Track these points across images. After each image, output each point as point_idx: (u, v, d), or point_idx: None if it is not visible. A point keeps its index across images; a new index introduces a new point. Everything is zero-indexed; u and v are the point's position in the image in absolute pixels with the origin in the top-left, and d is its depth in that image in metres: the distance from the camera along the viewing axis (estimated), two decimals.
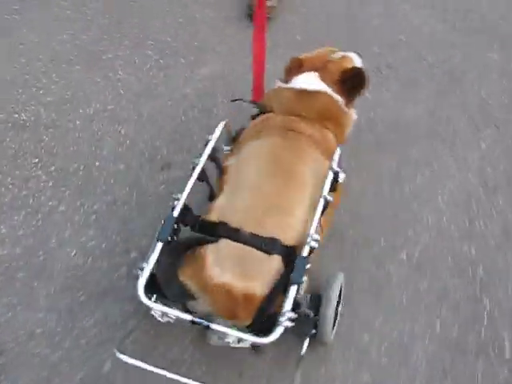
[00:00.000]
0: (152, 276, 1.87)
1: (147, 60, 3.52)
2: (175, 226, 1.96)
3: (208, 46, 3.56)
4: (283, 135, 2.11)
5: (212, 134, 2.24)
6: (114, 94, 3.32)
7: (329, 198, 1.98)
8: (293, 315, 1.75)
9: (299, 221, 1.93)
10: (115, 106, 3.25)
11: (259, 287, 1.81)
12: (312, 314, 2.00)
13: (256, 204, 1.92)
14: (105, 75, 3.41)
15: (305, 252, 1.84)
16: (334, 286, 2.09)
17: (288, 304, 1.76)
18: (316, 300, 2.05)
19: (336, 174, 2.05)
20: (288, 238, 1.89)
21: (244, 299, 1.80)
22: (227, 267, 1.82)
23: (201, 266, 1.84)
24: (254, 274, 1.83)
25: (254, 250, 1.84)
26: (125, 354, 1.88)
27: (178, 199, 2.01)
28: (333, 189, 2.04)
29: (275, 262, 1.85)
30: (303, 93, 2.22)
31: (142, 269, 1.84)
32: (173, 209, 1.99)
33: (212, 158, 2.21)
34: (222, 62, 3.48)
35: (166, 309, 1.82)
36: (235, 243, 1.85)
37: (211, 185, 2.27)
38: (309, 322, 1.99)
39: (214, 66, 3.45)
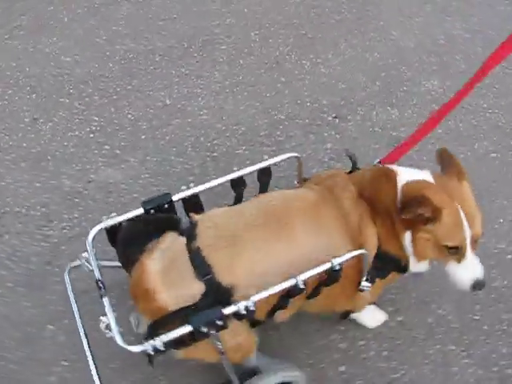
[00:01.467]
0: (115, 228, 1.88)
1: None
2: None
3: None
4: (324, 196, 1.92)
5: None
6: None
7: (300, 282, 1.70)
8: (160, 346, 1.59)
9: (260, 275, 1.75)
10: None
11: (166, 298, 1.69)
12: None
13: (238, 235, 1.77)
14: None
15: (229, 309, 1.64)
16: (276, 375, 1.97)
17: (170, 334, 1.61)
18: (248, 373, 1.95)
19: (336, 271, 1.77)
20: (230, 280, 1.72)
21: (144, 295, 1.70)
22: (160, 260, 1.73)
23: (150, 249, 1.78)
24: (173, 284, 1.70)
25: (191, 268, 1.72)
26: None
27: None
28: (331, 281, 1.82)
29: (196, 287, 1.71)
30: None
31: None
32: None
33: None
34: None
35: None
36: (184, 248, 1.75)
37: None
38: None
39: None
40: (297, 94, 3.29)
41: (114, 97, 3.30)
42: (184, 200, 1.99)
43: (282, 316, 1.97)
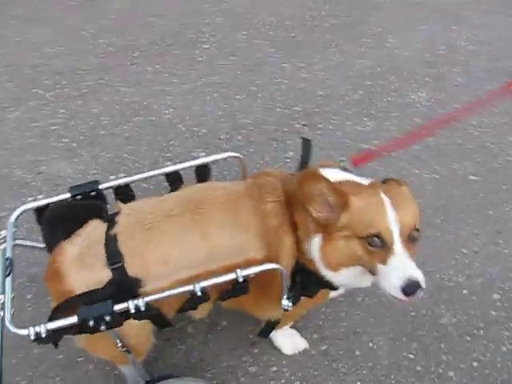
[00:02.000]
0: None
1: None
2: None
3: None
4: (250, 192, 1.77)
5: None
6: None
7: (198, 289, 1.56)
8: (44, 332, 1.47)
9: (173, 267, 1.64)
10: None
11: (74, 281, 1.58)
12: None
13: (155, 225, 1.66)
14: None
15: (119, 306, 1.51)
16: None
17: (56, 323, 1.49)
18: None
19: (242, 285, 1.62)
20: (139, 271, 1.61)
21: (56, 277, 1.60)
22: (78, 245, 1.65)
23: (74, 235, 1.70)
24: (83, 269, 1.60)
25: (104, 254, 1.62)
26: None
27: None
28: (237, 292, 1.67)
29: (103, 274, 1.58)
30: None
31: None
32: None
33: None
34: None
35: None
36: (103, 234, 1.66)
37: None
38: None
39: None
40: (269, 99, 3.11)
41: (85, 90, 3.23)
42: (115, 190, 1.92)
43: (198, 315, 1.86)
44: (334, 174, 1.64)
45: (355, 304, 2.30)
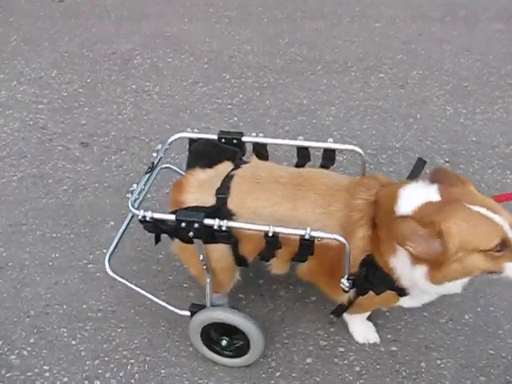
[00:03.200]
0: None
1: None
2: None
3: None
4: (349, 188, 1.96)
5: None
6: None
7: (271, 231, 1.81)
8: (148, 217, 1.87)
9: (261, 218, 1.91)
10: None
11: (188, 196, 1.98)
12: None
13: (264, 182, 1.98)
14: None
15: (208, 220, 1.83)
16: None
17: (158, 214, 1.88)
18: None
19: (308, 243, 1.82)
20: (236, 207, 1.92)
21: (178, 189, 2.03)
22: (205, 174, 2.06)
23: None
24: (199, 190, 1.99)
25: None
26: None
27: None
28: (304, 250, 1.87)
29: (210, 199, 1.95)
30: None
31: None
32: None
33: None
34: None
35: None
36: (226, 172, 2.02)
37: None
38: None
39: None
40: (423, 132, 3.31)
41: (265, 85, 3.74)
42: (254, 145, 2.22)
43: (275, 269, 2.10)
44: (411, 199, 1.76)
45: (437, 323, 2.38)
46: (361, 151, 2.20)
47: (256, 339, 2.11)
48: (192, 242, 1.88)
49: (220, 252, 1.99)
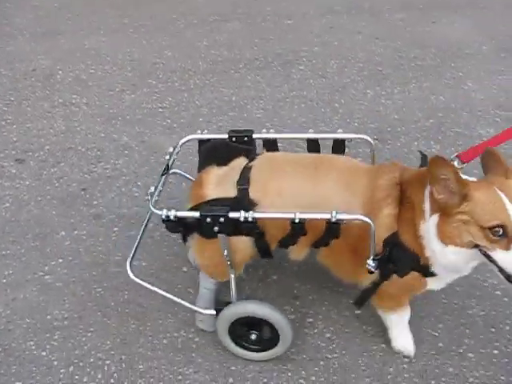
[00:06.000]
0: None
1: None
2: None
3: None
4: (370, 171, 2.03)
5: None
6: None
7: (297, 218, 1.83)
8: (171, 216, 1.90)
9: (283, 204, 1.96)
10: None
11: (208, 190, 2.03)
12: None
13: (283, 167, 2.04)
14: None
15: (233, 214, 1.85)
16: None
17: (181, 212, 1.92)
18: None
19: (334, 224, 1.84)
20: (258, 196, 1.95)
21: (199, 184, 2.09)
22: (223, 170, 2.11)
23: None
24: (219, 184, 2.04)
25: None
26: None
27: None
28: (330, 234, 1.91)
29: (230, 192, 1.98)
30: None
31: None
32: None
33: None
34: None
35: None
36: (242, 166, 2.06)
37: None
38: None
39: None
40: (349, 115, 3.51)
41: (191, 86, 3.84)
42: (264, 142, 2.28)
43: (294, 254, 2.14)
44: None
45: None
46: (370, 140, 2.28)
47: (285, 330, 2.10)
48: (215, 237, 1.90)
49: (246, 242, 2.02)
